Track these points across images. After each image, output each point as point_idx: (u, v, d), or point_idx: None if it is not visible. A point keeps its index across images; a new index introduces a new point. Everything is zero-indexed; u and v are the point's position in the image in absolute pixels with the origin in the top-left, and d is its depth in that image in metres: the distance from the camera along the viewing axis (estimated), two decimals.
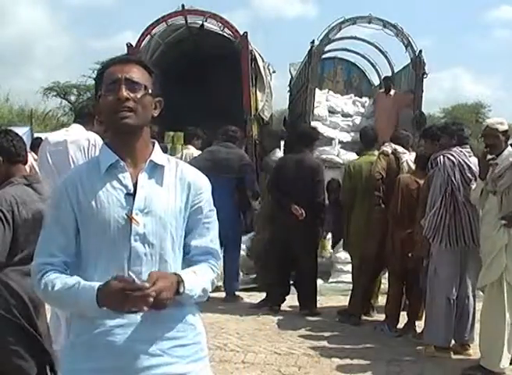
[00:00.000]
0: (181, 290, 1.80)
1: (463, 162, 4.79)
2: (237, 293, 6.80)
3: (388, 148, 5.83)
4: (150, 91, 1.88)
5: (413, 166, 5.64)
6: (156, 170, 1.90)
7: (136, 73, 1.87)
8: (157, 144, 1.97)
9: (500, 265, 4.32)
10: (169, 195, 1.89)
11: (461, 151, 4.86)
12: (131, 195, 1.86)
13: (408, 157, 5.74)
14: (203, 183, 1.97)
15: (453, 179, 4.73)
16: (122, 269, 1.82)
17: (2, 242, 2.83)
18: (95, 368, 1.84)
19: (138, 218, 1.84)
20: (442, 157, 4.80)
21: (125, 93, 1.82)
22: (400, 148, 5.78)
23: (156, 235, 1.85)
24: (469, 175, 4.77)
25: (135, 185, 1.87)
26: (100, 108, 1.89)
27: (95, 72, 15.27)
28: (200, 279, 1.89)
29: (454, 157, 4.79)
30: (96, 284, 1.76)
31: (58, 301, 1.89)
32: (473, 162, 4.80)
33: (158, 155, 1.93)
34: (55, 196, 1.95)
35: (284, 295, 6.32)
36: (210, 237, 1.97)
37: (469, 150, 4.93)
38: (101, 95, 1.86)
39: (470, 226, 4.75)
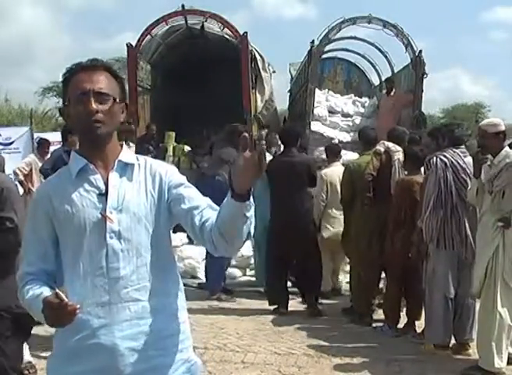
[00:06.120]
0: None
1: (456, 163, 4.79)
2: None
3: (381, 146, 5.83)
4: (118, 100, 1.91)
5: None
6: (126, 169, 1.95)
7: (104, 83, 1.89)
8: (125, 145, 2.01)
9: (488, 266, 4.34)
10: (141, 191, 1.93)
11: (455, 152, 4.86)
12: (103, 195, 1.90)
13: (401, 155, 5.74)
14: (171, 170, 2.00)
15: (443, 180, 4.73)
16: (101, 268, 1.86)
17: None
18: (81, 370, 1.86)
19: (112, 216, 1.87)
20: (435, 158, 4.80)
21: (94, 106, 1.84)
22: (393, 147, 5.78)
23: (131, 231, 1.89)
24: (463, 175, 4.77)
25: (106, 185, 1.91)
26: (68, 113, 1.91)
27: None
28: None
29: (447, 158, 4.79)
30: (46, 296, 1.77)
31: (30, 311, 1.89)
32: (468, 162, 4.78)
33: (126, 154, 1.97)
34: (30, 207, 1.98)
35: (285, 297, 6.24)
36: (203, 199, 1.92)
37: (464, 150, 4.92)
38: (70, 105, 1.88)
39: (463, 228, 4.75)
